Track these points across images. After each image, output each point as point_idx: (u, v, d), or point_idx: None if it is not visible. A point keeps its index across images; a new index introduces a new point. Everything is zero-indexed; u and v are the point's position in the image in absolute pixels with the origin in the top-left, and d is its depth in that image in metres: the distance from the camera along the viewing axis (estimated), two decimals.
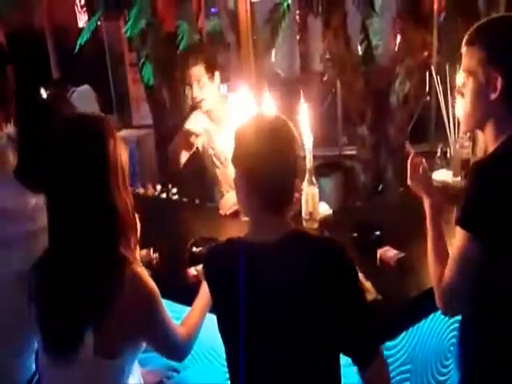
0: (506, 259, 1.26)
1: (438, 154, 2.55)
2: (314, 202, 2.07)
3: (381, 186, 4.60)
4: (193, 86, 2.66)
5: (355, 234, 1.92)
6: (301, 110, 2.12)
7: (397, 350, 1.65)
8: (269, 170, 1.17)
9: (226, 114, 2.65)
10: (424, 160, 1.51)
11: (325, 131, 5.45)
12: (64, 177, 1.26)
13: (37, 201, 1.47)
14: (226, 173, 2.76)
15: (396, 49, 5.39)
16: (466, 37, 1.32)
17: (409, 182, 1.52)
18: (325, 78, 6.20)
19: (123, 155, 1.31)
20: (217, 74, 2.70)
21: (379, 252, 1.80)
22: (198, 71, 2.65)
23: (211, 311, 1.45)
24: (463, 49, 1.32)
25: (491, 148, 1.31)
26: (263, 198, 1.19)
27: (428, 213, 1.45)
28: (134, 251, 1.33)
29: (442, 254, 1.35)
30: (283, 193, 1.21)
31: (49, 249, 1.32)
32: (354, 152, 4.99)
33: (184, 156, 2.78)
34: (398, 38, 5.37)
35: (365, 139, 4.74)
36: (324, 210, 2.25)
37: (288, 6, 5.16)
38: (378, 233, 1.89)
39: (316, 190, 2.07)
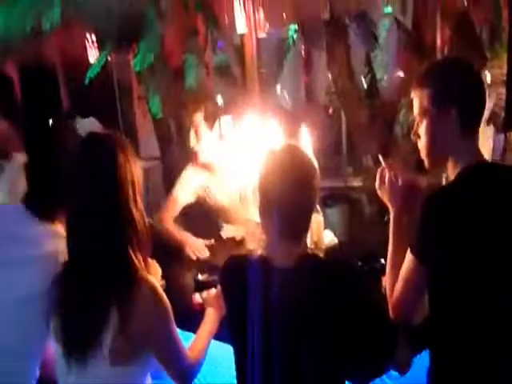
0: (449, 287, 1.32)
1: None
2: (319, 231, 2.09)
3: (386, 217, 4.60)
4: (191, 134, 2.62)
5: (360, 263, 1.92)
6: (305, 142, 2.16)
7: (399, 381, 1.63)
8: (289, 200, 1.25)
9: (226, 162, 2.60)
10: (394, 173, 1.54)
11: (330, 162, 5.49)
12: (77, 191, 1.34)
13: (45, 227, 1.50)
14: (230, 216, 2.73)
15: (400, 81, 5.47)
16: (414, 81, 1.40)
17: (377, 191, 1.58)
18: (330, 111, 6.27)
19: (135, 170, 1.35)
20: (218, 121, 2.67)
21: (384, 280, 1.79)
22: (197, 118, 2.61)
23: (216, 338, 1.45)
24: (413, 93, 1.40)
25: (452, 177, 1.39)
26: (281, 225, 1.27)
27: (391, 224, 1.51)
28: (147, 265, 1.37)
29: (396, 268, 1.41)
30: (300, 222, 1.28)
31: (67, 263, 1.37)
32: (359, 183, 5.01)
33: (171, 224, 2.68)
34: (402, 70, 5.46)
35: (370, 170, 4.76)
36: (329, 239, 2.26)
37: (293, 40, 5.28)
38: (382, 261, 1.90)
39: (321, 218, 2.09)
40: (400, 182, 1.52)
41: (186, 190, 2.74)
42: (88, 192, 1.32)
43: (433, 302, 1.37)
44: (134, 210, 1.34)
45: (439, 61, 1.45)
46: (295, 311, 1.20)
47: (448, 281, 1.33)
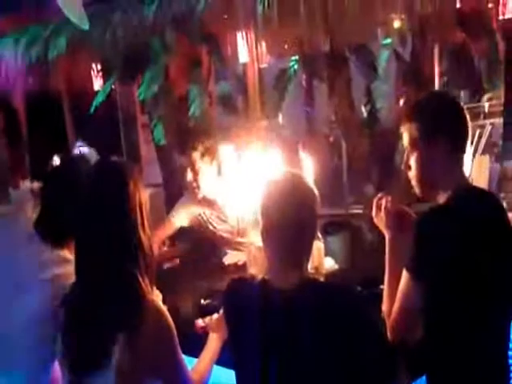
0: (444, 304, 1.37)
1: None
2: (320, 257, 2.12)
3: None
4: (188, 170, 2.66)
5: (360, 288, 1.95)
6: (305, 170, 2.21)
7: None
8: (290, 226, 1.30)
9: (225, 193, 2.61)
10: (388, 200, 1.61)
11: (331, 191, 5.52)
12: (87, 216, 1.37)
13: (55, 253, 1.54)
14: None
15: (399, 111, 5.55)
16: (403, 116, 1.48)
17: (374, 219, 1.65)
18: (331, 139, 6.35)
19: (143, 196, 1.40)
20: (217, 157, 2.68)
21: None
22: (193, 156, 2.65)
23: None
24: (403, 127, 1.48)
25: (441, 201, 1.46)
26: (283, 250, 1.31)
27: (387, 249, 1.59)
28: (153, 288, 1.41)
29: (393, 291, 1.46)
30: (301, 247, 1.33)
31: (75, 286, 1.40)
32: (360, 211, 5.04)
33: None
34: (402, 100, 5.54)
35: (371, 198, 4.80)
36: (330, 265, 2.28)
37: (294, 71, 5.38)
38: (382, 287, 1.92)
39: (321, 245, 2.12)
40: (394, 210, 1.59)
41: (182, 213, 2.78)
42: (97, 218, 1.36)
43: (426, 322, 1.41)
44: (142, 236, 1.37)
45: (424, 96, 1.53)
46: (296, 334, 1.22)
47: (443, 299, 1.37)
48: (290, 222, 1.28)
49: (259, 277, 1.34)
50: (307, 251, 1.35)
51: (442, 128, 1.45)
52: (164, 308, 1.37)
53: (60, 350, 1.40)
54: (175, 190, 5.49)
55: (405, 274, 1.41)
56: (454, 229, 1.35)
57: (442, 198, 1.47)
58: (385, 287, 1.55)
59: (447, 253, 1.34)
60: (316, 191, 1.37)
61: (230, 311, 1.38)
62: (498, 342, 1.40)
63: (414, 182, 1.54)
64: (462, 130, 1.48)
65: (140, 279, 1.35)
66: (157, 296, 1.88)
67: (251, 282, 1.34)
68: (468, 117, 1.48)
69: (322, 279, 2.14)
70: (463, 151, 1.47)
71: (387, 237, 1.61)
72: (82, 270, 1.40)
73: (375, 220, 1.67)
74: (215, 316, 1.72)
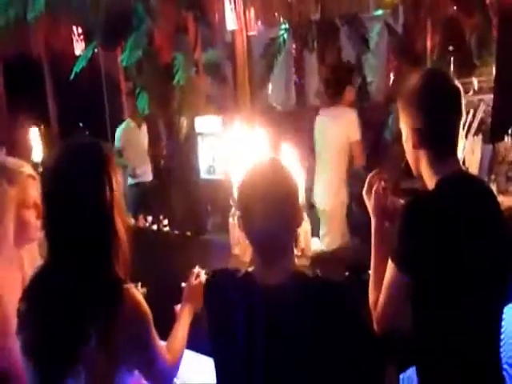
0: (431, 296, 1.32)
1: None
2: (307, 239, 2.05)
3: None
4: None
5: (347, 273, 1.89)
6: (293, 143, 2.12)
7: None
8: (270, 219, 1.19)
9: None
10: (383, 182, 1.54)
11: None
12: (60, 201, 1.27)
13: None
14: None
15: (390, 85, 5.46)
16: (398, 98, 1.44)
17: (364, 196, 1.57)
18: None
19: (118, 181, 1.32)
20: None
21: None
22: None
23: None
24: (398, 104, 1.44)
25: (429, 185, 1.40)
26: (264, 244, 1.23)
27: (373, 236, 1.51)
28: (126, 275, 1.33)
29: (379, 281, 1.40)
30: (283, 240, 1.24)
31: (40, 273, 1.32)
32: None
33: None
34: (392, 75, 5.45)
35: (358, 173, 4.74)
36: (316, 245, 2.22)
37: (284, 40, 5.24)
38: (370, 272, 1.86)
39: (308, 227, 2.05)
40: (383, 198, 1.50)
41: None
42: (70, 204, 1.26)
43: (415, 312, 1.35)
44: (117, 221, 1.28)
45: (418, 78, 1.41)
46: (279, 330, 1.16)
47: (429, 290, 1.31)
48: (272, 214, 1.19)
49: (242, 270, 1.25)
50: (291, 243, 1.26)
51: (435, 114, 1.37)
52: (140, 297, 1.29)
53: (24, 343, 1.31)
54: (160, 159, 5.39)
55: (390, 264, 1.35)
56: (439, 217, 1.30)
57: (429, 183, 1.39)
58: (371, 276, 1.48)
59: (433, 242, 1.29)
60: (296, 178, 1.27)
61: (212, 305, 1.30)
62: (489, 335, 1.35)
63: (408, 160, 1.47)
64: (454, 115, 1.39)
65: (116, 266, 1.27)
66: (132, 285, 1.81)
67: (235, 277, 1.26)
68: (463, 99, 1.39)
69: (307, 261, 2.07)
70: (452, 137, 1.39)
71: (373, 223, 1.53)
72: (55, 258, 1.30)
73: (365, 198, 1.59)
74: (191, 282, 1.63)
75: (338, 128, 3.55)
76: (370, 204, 1.54)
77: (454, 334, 1.32)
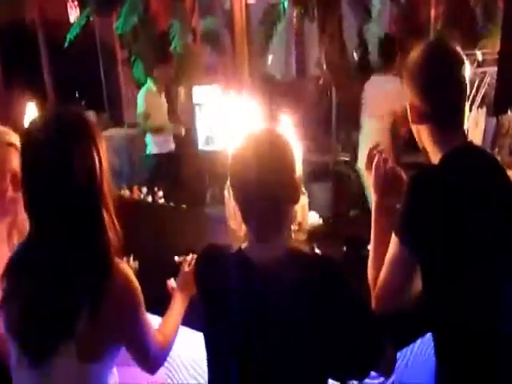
0: (434, 272, 1.28)
1: None
2: (304, 213, 1.99)
3: None
4: None
5: (345, 249, 1.83)
6: (293, 115, 2.04)
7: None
8: (263, 194, 1.12)
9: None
10: (383, 157, 1.48)
11: (318, 136, 5.38)
12: (48, 172, 1.20)
13: None
14: None
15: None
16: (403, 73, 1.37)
17: (364, 171, 1.53)
18: (320, 82, 6.14)
19: (104, 154, 1.25)
20: None
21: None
22: None
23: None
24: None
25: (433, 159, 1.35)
26: (259, 222, 1.16)
27: (373, 212, 1.45)
28: (117, 250, 1.28)
29: (379, 258, 1.36)
30: (281, 218, 1.16)
31: (26, 246, 1.27)
32: (347, 158, 4.92)
33: None
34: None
35: (359, 145, 4.68)
36: (314, 219, 2.17)
37: (284, 8, 5.10)
38: (368, 247, 1.80)
39: (306, 200, 1.99)
40: (385, 168, 1.44)
41: None
42: (59, 174, 1.19)
43: (426, 287, 1.30)
44: (106, 191, 1.23)
45: (418, 52, 1.34)
46: (273, 308, 1.11)
47: (434, 264, 1.27)
48: (266, 186, 1.12)
49: (235, 247, 1.19)
50: (286, 219, 1.19)
51: (436, 90, 1.31)
52: (131, 272, 1.24)
53: (8, 318, 1.26)
54: None
55: (393, 239, 1.29)
56: (444, 191, 1.25)
57: (433, 157, 1.34)
58: (370, 253, 1.42)
59: (438, 217, 1.23)
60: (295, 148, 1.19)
61: (204, 284, 1.24)
62: (497, 306, 1.30)
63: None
64: (457, 89, 1.33)
65: (105, 239, 1.22)
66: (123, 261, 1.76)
67: (226, 254, 1.20)
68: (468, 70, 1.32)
69: (304, 235, 2.01)
70: (461, 110, 1.33)
71: (373, 198, 1.46)
72: (39, 230, 1.25)
73: (365, 173, 1.53)
74: (184, 269, 1.59)
75: (387, 95, 3.66)
76: (370, 178, 1.48)
77: (461, 305, 1.28)
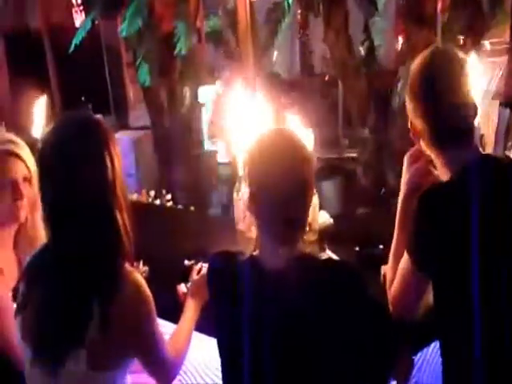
0: (441, 287, 1.25)
1: None
2: (314, 213, 1.96)
3: (383, 190, 4.49)
4: None
5: (357, 248, 1.81)
6: (299, 112, 2.02)
7: None
8: (281, 191, 1.09)
9: None
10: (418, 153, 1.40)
11: (325, 133, 5.35)
12: (64, 177, 1.21)
13: None
14: None
15: (399, 50, 5.29)
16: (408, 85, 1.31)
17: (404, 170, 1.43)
18: (326, 79, 6.10)
19: (119, 156, 1.25)
20: None
21: (383, 269, 1.67)
22: None
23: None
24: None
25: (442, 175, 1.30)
26: (275, 225, 1.13)
27: (398, 207, 1.38)
28: (130, 259, 1.29)
29: (399, 258, 1.30)
30: (297, 221, 1.14)
31: (41, 253, 1.28)
32: (355, 155, 4.89)
33: None
34: (401, 38, 5.27)
35: (366, 142, 4.64)
36: (324, 219, 2.14)
37: (288, 5, 5.07)
38: (381, 247, 1.78)
39: (316, 201, 1.96)
40: (415, 165, 1.37)
41: None
42: (71, 179, 1.19)
43: (437, 302, 1.27)
44: (119, 199, 1.22)
45: (416, 66, 1.27)
46: (286, 316, 1.08)
47: (445, 286, 1.23)
48: (286, 190, 1.09)
49: (246, 254, 1.17)
50: (304, 222, 1.16)
51: (435, 109, 1.24)
52: (142, 281, 1.23)
53: (21, 325, 1.26)
54: (163, 132, 5.29)
55: (405, 255, 1.26)
56: (453, 211, 1.20)
57: (442, 173, 1.28)
58: (391, 250, 1.38)
59: (446, 239, 1.20)
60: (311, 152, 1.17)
61: (216, 293, 1.22)
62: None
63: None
64: (459, 102, 1.24)
65: (117, 247, 1.21)
66: (134, 269, 1.75)
67: (238, 261, 1.17)
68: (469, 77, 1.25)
69: (314, 236, 1.99)
70: (467, 124, 1.26)
71: (401, 193, 1.40)
72: (54, 237, 1.25)
73: (404, 171, 1.44)
74: (194, 277, 1.58)
75: None
76: (406, 176, 1.41)
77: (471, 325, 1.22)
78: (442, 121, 1.25)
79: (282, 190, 1.09)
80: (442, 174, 1.28)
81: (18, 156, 1.55)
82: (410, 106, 1.29)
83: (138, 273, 1.79)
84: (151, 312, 1.25)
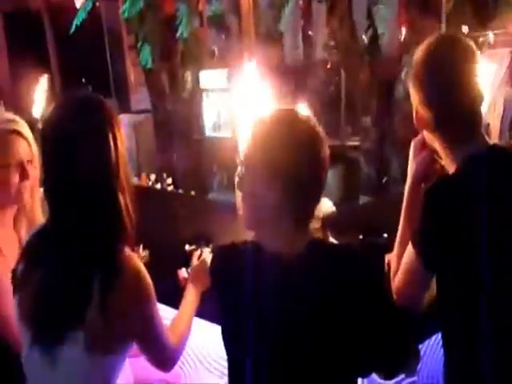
0: (446, 281, 1.22)
1: None
2: None
3: (385, 179, 4.48)
4: None
5: (361, 237, 1.79)
6: (301, 99, 1.98)
7: None
8: (294, 166, 1.04)
9: None
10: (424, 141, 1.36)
11: (328, 121, 5.32)
12: (68, 158, 1.18)
13: None
14: None
15: (402, 37, 5.24)
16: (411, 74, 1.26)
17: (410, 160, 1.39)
18: (328, 66, 6.05)
19: (123, 137, 1.22)
20: None
21: (388, 257, 1.66)
22: None
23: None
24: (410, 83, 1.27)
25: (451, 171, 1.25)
26: (287, 199, 1.06)
27: (405, 197, 1.34)
28: (131, 243, 1.25)
29: (405, 246, 1.27)
30: (310, 192, 1.08)
31: (40, 232, 1.26)
32: (357, 143, 4.87)
33: None
34: (404, 26, 5.23)
35: (369, 130, 4.62)
36: (327, 207, 2.12)
37: None
38: (385, 235, 1.76)
39: None
40: (422, 155, 1.34)
41: None
42: (73, 160, 1.17)
43: (441, 296, 1.25)
44: (122, 181, 1.19)
45: (423, 54, 1.23)
46: (296, 302, 1.06)
47: (450, 280, 1.21)
48: (295, 169, 1.04)
49: (250, 241, 1.13)
50: (315, 204, 1.12)
51: (440, 97, 1.21)
52: (142, 267, 1.21)
53: (18, 307, 1.25)
54: (164, 115, 5.26)
55: (410, 247, 1.23)
56: (459, 204, 1.17)
57: (450, 166, 1.24)
58: (396, 241, 1.35)
59: (453, 230, 1.17)
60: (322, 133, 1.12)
61: (222, 283, 1.19)
62: None
63: None
64: (466, 91, 1.20)
65: (118, 230, 1.19)
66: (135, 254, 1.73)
67: (244, 249, 1.14)
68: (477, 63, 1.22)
69: (318, 223, 1.97)
70: (473, 113, 1.22)
71: (407, 183, 1.38)
72: (55, 217, 1.23)
73: (410, 161, 1.40)
74: (194, 262, 1.56)
75: None
76: (412, 166, 1.37)
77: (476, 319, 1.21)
78: (448, 109, 1.21)
79: (295, 166, 1.04)
80: (448, 163, 1.25)
81: (21, 135, 1.52)
82: (414, 93, 1.25)
83: (138, 257, 1.79)
84: (151, 297, 1.23)
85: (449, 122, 1.22)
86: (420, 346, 1.56)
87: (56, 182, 1.22)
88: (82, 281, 1.17)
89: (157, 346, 1.28)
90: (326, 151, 1.09)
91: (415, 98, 1.25)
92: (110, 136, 1.18)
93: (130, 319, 1.19)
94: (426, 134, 1.29)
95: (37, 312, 1.22)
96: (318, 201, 1.10)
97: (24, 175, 1.49)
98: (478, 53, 1.23)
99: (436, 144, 1.27)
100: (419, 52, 1.24)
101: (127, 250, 1.21)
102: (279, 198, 1.05)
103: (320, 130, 1.10)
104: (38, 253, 1.26)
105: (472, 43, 1.25)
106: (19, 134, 1.50)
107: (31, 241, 1.29)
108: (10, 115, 1.60)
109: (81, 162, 1.17)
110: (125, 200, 1.20)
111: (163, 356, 1.31)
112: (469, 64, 1.21)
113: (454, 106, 1.21)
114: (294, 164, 1.04)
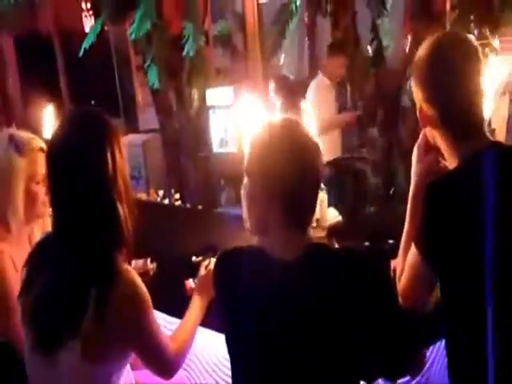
0: (449, 279, 1.21)
1: None
2: (322, 209, 1.96)
3: (392, 190, 4.47)
4: None
5: (367, 243, 1.79)
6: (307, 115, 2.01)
7: None
8: (290, 176, 1.08)
9: None
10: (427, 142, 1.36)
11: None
12: (68, 176, 1.23)
13: None
14: None
15: (407, 49, 5.27)
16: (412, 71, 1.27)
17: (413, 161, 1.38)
18: None
19: (123, 157, 1.26)
20: None
21: (393, 263, 1.66)
22: None
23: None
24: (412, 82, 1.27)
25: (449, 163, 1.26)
26: (284, 208, 1.10)
27: (409, 198, 1.34)
28: (128, 258, 1.30)
29: (408, 249, 1.27)
30: (304, 211, 1.12)
31: (46, 240, 1.31)
32: (364, 154, 4.87)
33: None
34: (409, 37, 5.25)
35: (375, 141, 4.62)
36: (333, 216, 2.13)
37: (296, 6, 5.07)
38: (391, 241, 1.76)
39: (325, 196, 1.96)
40: (426, 156, 1.34)
41: None
42: (71, 175, 1.22)
43: (444, 297, 1.24)
44: (119, 196, 1.22)
45: (426, 50, 1.24)
46: (298, 307, 1.07)
47: (453, 278, 1.20)
48: (291, 179, 1.08)
49: (254, 247, 1.15)
50: (311, 212, 1.15)
51: (441, 96, 1.22)
52: (139, 280, 1.23)
53: (23, 309, 1.29)
54: (171, 133, 5.30)
55: (413, 249, 1.24)
56: (461, 202, 1.17)
57: (449, 162, 1.25)
58: (401, 245, 1.35)
59: (455, 228, 1.17)
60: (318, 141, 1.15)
61: (224, 289, 1.21)
62: None
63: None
64: (469, 87, 1.21)
65: (113, 247, 1.24)
66: (142, 266, 1.76)
67: (247, 254, 1.16)
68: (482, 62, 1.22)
69: (323, 232, 1.98)
70: (476, 108, 1.22)
71: (411, 186, 1.37)
72: (57, 229, 1.28)
73: (413, 162, 1.39)
74: (201, 273, 1.57)
75: None
76: (416, 170, 1.36)
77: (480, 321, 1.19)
78: (451, 106, 1.22)
79: (290, 176, 1.08)
80: (451, 162, 1.25)
81: (44, 151, 1.58)
82: (417, 91, 1.26)
83: (146, 270, 1.81)
84: (147, 309, 1.25)
85: (452, 119, 1.23)
86: (430, 349, 1.56)
87: (57, 193, 1.26)
88: (79, 291, 1.21)
89: (156, 355, 1.29)
90: (321, 161, 1.12)
91: (418, 95, 1.26)
92: (108, 148, 1.22)
93: (126, 330, 1.21)
94: (429, 131, 1.30)
95: (37, 316, 1.26)
96: (313, 207, 1.14)
97: (47, 190, 1.55)
98: (480, 49, 1.24)
99: (438, 140, 1.28)
100: (422, 49, 1.26)
101: (125, 264, 1.24)
102: (277, 205, 1.09)
103: (315, 140, 1.13)
104: (41, 260, 1.31)
105: (474, 41, 1.26)
106: (43, 150, 1.56)
107: (37, 248, 1.33)
108: (30, 134, 1.66)
109: (79, 174, 1.21)
110: (124, 211, 1.23)
111: (163, 364, 1.33)
112: (471, 61, 1.22)
113: (456, 103, 1.22)
114: (290, 174, 1.08)
